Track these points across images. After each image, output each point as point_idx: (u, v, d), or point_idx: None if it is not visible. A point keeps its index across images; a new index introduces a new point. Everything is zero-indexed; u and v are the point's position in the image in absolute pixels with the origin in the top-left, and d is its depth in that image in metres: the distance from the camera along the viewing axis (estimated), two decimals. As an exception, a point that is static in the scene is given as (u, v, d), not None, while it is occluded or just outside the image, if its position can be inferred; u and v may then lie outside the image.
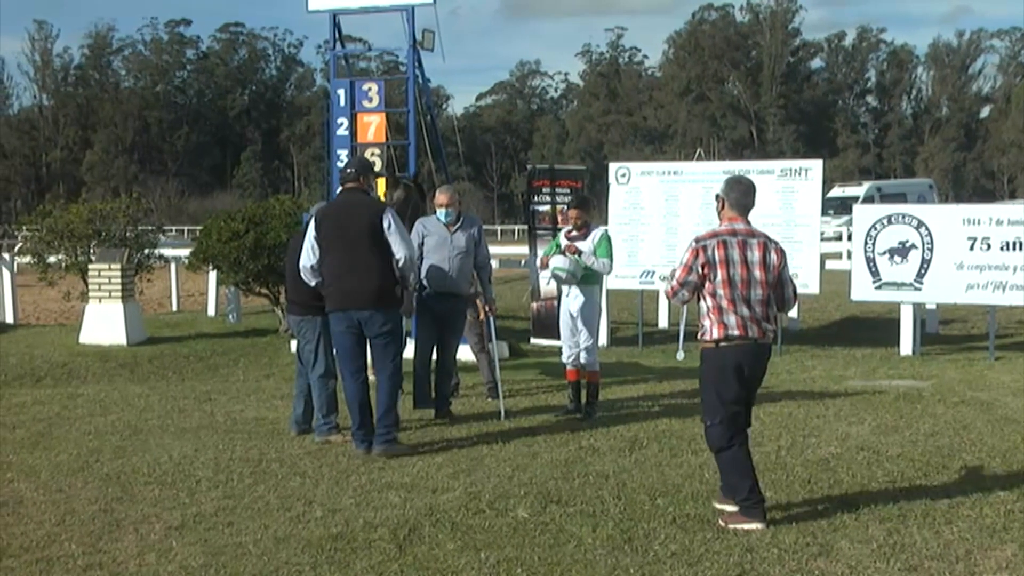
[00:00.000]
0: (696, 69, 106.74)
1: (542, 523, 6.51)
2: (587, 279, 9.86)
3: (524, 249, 17.50)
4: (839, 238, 31.18)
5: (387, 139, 14.40)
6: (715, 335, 6.54)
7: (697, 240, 6.73)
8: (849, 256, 16.84)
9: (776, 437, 8.80)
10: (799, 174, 14.45)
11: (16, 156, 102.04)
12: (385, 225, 8.36)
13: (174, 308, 21.42)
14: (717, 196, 6.97)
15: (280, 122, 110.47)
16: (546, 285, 14.52)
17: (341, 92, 14.37)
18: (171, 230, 39.83)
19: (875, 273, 14.16)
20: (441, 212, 10.00)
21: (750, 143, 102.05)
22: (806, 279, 14.28)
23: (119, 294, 15.20)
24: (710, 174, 15.27)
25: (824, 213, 20.50)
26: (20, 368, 13.56)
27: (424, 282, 9.88)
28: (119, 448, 8.86)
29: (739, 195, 6.92)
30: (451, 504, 6.92)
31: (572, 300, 9.88)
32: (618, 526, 6.42)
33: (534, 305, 15.53)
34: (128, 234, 17.93)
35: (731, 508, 6.54)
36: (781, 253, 6.85)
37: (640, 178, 15.38)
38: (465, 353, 11.29)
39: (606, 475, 7.62)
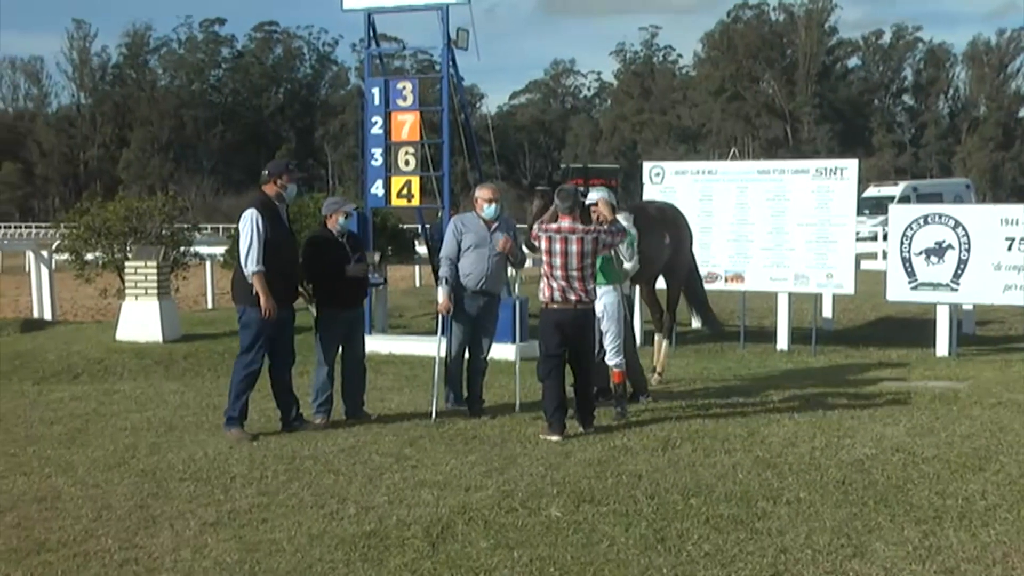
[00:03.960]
0: (730, 68, 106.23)
1: (575, 522, 6.51)
2: (610, 276, 9.82)
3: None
4: (874, 238, 30.86)
5: (421, 138, 14.42)
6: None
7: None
8: (885, 256, 16.73)
9: (811, 438, 8.75)
10: (834, 174, 14.36)
11: (54, 154, 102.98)
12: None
13: (209, 305, 21.54)
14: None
15: (314, 121, 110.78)
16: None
17: (376, 91, 14.41)
18: (206, 228, 40.02)
19: (911, 273, 14.06)
20: (489, 208, 9.92)
21: (785, 142, 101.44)
22: (841, 279, 14.23)
23: (155, 291, 15.28)
24: (744, 174, 15.23)
25: (859, 213, 20.32)
26: (58, 364, 13.67)
27: (462, 281, 9.87)
28: (154, 444, 8.92)
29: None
30: (484, 502, 6.93)
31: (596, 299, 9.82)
32: (651, 526, 6.41)
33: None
34: (164, 232, 18.05)
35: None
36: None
37: (674, 178, 15.33)
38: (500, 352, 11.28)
39: (639, 475, 7.60)
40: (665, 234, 12.00)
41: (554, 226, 9.08)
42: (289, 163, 9.62)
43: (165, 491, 7.42)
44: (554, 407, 8.99)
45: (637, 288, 12.60)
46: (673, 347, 14.28)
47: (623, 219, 10.33)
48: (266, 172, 9.27)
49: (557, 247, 8.99)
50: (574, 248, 8.98)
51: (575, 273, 9.00)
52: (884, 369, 12.93)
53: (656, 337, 12.20)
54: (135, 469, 8.05)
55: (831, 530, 6.30)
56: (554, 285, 9.02)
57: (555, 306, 9.07)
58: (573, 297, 9.02)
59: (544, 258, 9.07)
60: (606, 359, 9.84)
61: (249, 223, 8.96)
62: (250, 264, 8.95)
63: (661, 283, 12.52)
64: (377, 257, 10.22)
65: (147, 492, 7.39)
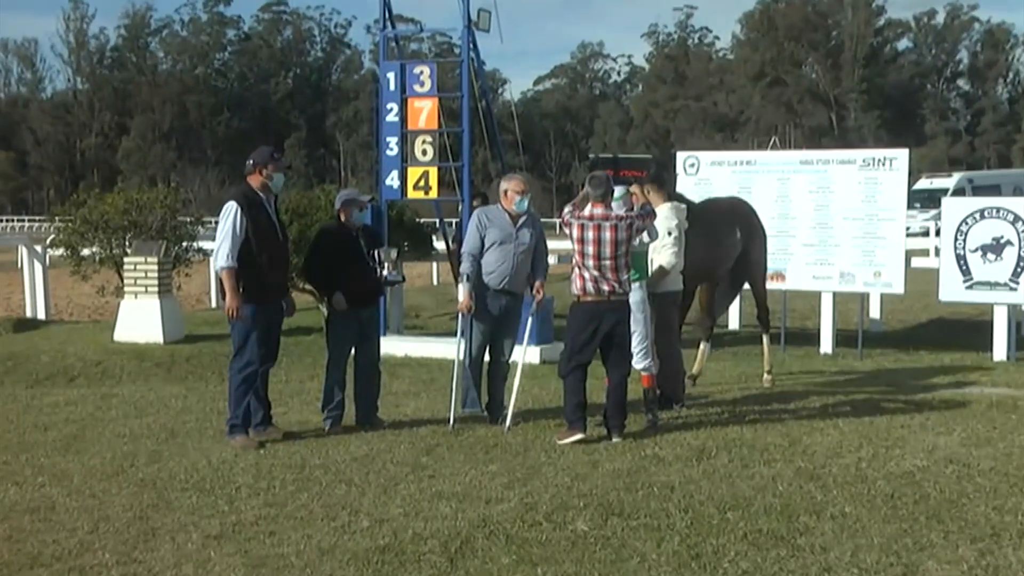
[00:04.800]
0: (771, 51, 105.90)
1: (603, 537, 6.50)
2: (641, 270, 9.81)
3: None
4: (926, 234, 30.81)
5: (440, 126, 14.45)
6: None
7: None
8: (937, 253, 16.65)
9: (856, 448, 8.72)
10: (883, 164, 14.30)
11: (49, 142, 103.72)
12: None
13: (213, 304, 21.61)
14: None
15: (326, 107, 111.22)
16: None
17: (391, 76, 14.44)
18: (211, 221, 40.13)
19: (966, 272, 13.99)
20: (518, 200, 9.87)
21: (829, 131, 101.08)
22: (890, 278, 14.17)
23: (156, 289, 15.35)
24: (786, 164, 15.17)
25: (910, 207, 20.25)
26: (52, 367, 13.75)
27: (484, 279, 9.87)
28: (155, 452, 8.96)
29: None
30: (506, 515, 6.93)
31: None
32: (684, 541, 6.40)
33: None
34: (166, 226, 18.12)
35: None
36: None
37: (710, 168, 15.30)
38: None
39: (672, 486, 7.59)
40: (736, 230, 11.97)
41: (586, 213, 9.16)
42: (274, 151, 9.61)
43: (166, 502, 7.45)
44: (575, 403, 9.16)
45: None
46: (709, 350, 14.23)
47: (669, 210, 10.34)
48: (250, 162, 9.29)
49: (590, 235, 9.07)
50: (607, 236, 9.06)
51: (608, 262, 9.08)
52: (936, 374, 12.87)
53: (701, 345, 12.25)
54: (134, 478, 8.09)
55: (879, 548, 6.27)
56: (586, 275, 9.12)
57: (588, 298, 9.18)
58: (606, 288, 9.11)
59: (575, 247, 9.18)
60: (634, 363, 9.83)
61: (227, 217, 9.02)
62: (219, 259, 9.04)
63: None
64: (395, 254, 10.23)
65: (147, 503, 7.42)
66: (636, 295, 9.72)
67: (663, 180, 11.08)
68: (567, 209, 9.42)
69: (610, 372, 9.36)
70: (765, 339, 12.50)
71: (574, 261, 9.27)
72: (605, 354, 9.34)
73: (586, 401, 9.28)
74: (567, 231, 9.33)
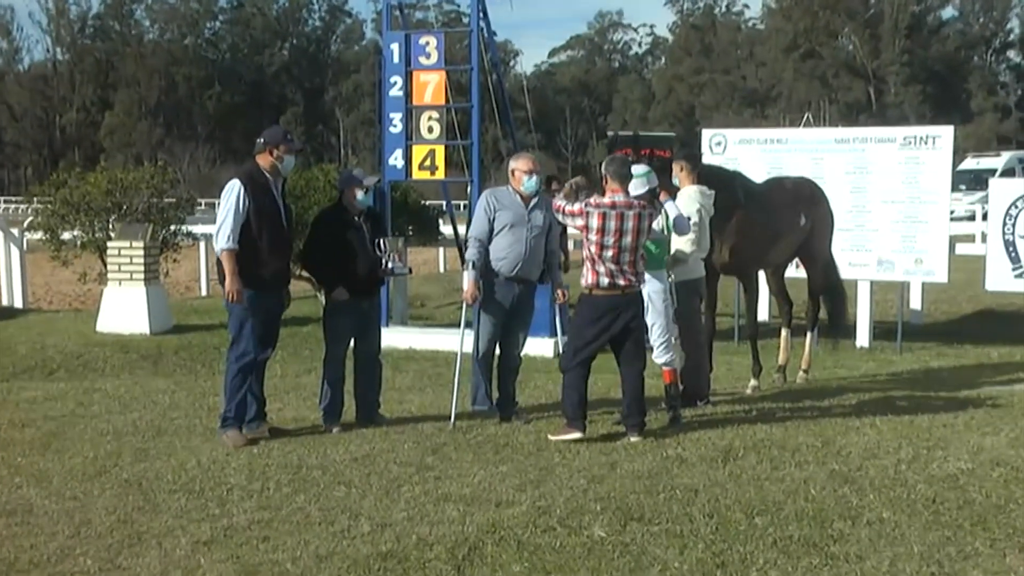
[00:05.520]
0: (805, 21, 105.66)
1: (621, 543, 6.50)
2: (658, 260, 9.79)
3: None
4: (972, 218, 30.78)
5: (447, 101, 14.44)
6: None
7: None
8: (984, 239, 16.62)
9: (896, 449, 8.71)
10: (925, 143, 14.27)
11: (27, 118, 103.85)
12: None
13: (203, 292, 21.70)
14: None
15: (325, 81, 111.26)
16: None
17: (395, 47, 14.44)
18: (201, 203, 40.05)
19: (1015, 259, 13.97)
20: (529, 181, 9.84)
21: (867, 106, 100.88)
22: (932, 265, 14.15)
23: (141, 276, 15.39)
24: (820, 143, 15.17)
25: (955, 188, 20.22)
26: (30, 359, 13.80)
27: (494, 266, 9.86)
28: (140, 451, 8.98)
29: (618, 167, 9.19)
30: (517, 520, 6.93)
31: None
32: (709, 548, 6.40)
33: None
34: (152, 208, 18.15)
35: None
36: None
37: (738, 147, 15.29)
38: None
39: (695, 489, 7.59)
40: (801, 214, 11.98)
41: (607, 200, 9.00)
42: (288, 133, 9.63)
43: (152, 504, 7.46)
44: (577, 400, 9.12)
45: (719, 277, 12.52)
46: (736, 342, 14.24)
47: (695, 192, 10.36)
48: (261, 140, 9.30)
49: (612, 224, 8.91)
50: (630, 225, 8.96)
51: (628, 256, 9.00)
52: (982, 370, 12.85)
53: (783, 332, 12.37)
54: (118, 479, 8.11)
55: (919, 556, 6.26)
56: (601, 269, 8.99)
57: (601, 292, 9.06)
58: (622, 282, 9.02)
59: (593, 238, 8.97)
60: (654, 357, 9.82)
61: (229, 195, 9.04)
62: (220, 240, 9.03)
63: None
64: (400, 243, 10.19)
65: (132, 505, 7.43)
66: (657, 284, 9.71)
67: (697, 160, 11.06)
68: (560, 200, 9.37)
69: (625, 367, 9.31)
70: (809, 335, 12.59)
71: (588, 253, 9.08)
72: (618, 348, 9.29)
73: (587, 398, 9.29)
74: (574, 221, 9.18)
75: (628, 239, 8.97)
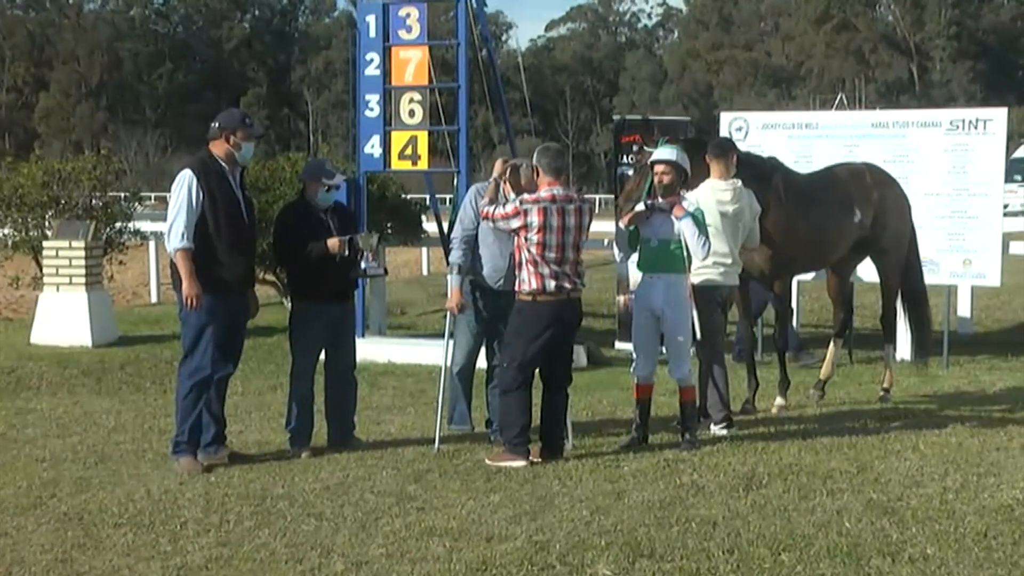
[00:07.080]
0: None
1: (630, 584, 6.52)
2: (674, 264, 9.81)
3: (608, 225, 17.49)
4: (1028, 213, 30.85)
5: (431, 81, 14.45)
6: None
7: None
8: (1042, 237, 16.65)
9: (942, 475, 8.73)
10: (975, 127, 14.30)
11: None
12: None
13: (153, 299, 21.67)
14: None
15: (291, 58, 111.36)
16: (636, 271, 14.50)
17: (371, 20, 14.45)
18: (150, 197, 40.12)
19: (1076, 259, 14.00)
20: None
21: (909, 86, 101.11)
22: (983, 267, 14.16)
23: (82, 280, 15.38)
24: (855, 128, 15.18)
25: (1008, 179, 20.27)
26: (-45, 375, 13.79)
27: (476, 274, 9.85)
28: (82, 480, 8.97)
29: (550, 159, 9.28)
30: (510, 557, 6.94)
31: (655, 292, 9.79)
32: (730, 589, 6.41)
33: (621, 299, 15.51)
34: (95, 202, 18.13)
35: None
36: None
37: (761, 132, 15.30)
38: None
39: (714, 522, 7.60)
40: (855, 209, 11.80)
41: (545, 194, 9.14)
42: (247, 116, 9.63)
43: (95, 541, 7.46)
44: (522, 424, 9.24)
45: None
46: (761, 354, 14.24)
47: (727, 185, 10.41)
48: (216, 125, 9.30)
49: (554, 222, 9.08)
50: (572, 222, 9.17)
51: (571, 254, 9.22)
52: (1039, 386, 12.88)
53: (832, 344, 12.40)
54: (56, 512, 8.10)
55: (967, 596, 6.29)
56: (545, 272, 9.13)
57: (546, 298, 9.19)
58: (567, 285, 9.22)
59: (535, 237, 9.07)
60: (669, 371, 9.87)
61: (180, 188, 9.04)
62: (173, 239, 9.03)
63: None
64: (375, 240, 10.16)
65: (72, 542, 7.43)
66: (676, 290, 9.73)
67: (729, 152, 10.85)
68: (484, 200, 9.48)
69: (551, 384, 9.49)
70: (889, 348, 12.57)
71: (528, 255, 9.13)
72: (548, 361, 9.39)
73: (531, 421, 9.37)
74: (508, 224, 9.19)
75: (571, 237, 9.13)
